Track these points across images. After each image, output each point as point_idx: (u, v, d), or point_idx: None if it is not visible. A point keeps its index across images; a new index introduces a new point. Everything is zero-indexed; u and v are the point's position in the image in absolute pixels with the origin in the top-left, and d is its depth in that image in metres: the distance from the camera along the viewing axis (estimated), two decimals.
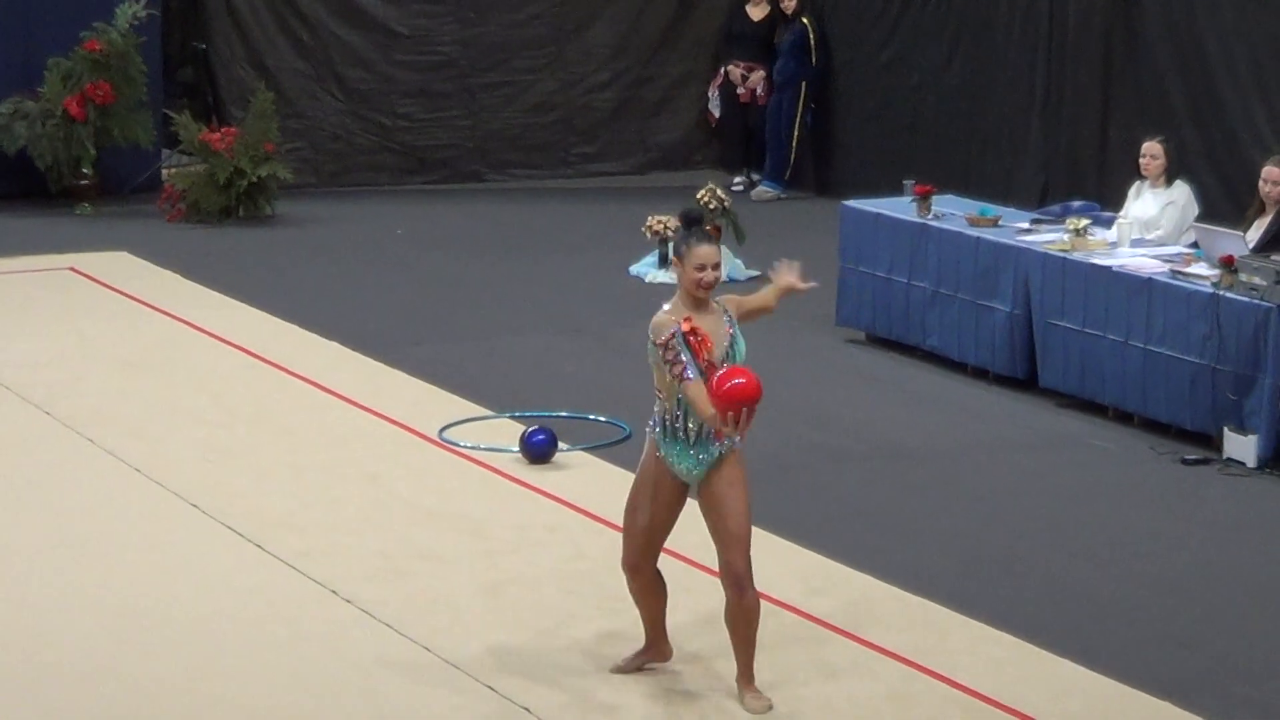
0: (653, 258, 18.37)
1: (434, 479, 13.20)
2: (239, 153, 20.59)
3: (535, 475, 13.19)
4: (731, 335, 9.77)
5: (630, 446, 13.20)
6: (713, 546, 9.83)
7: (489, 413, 14.44)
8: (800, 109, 22.06)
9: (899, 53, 21.41)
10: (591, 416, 14.09)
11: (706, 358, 9.66)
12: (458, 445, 13.76)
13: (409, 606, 11.07)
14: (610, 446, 13.58)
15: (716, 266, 9.78)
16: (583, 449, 13.66)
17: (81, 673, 10.25)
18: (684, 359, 9.59)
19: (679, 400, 9.75)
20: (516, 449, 13.48)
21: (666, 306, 9.81)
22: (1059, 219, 15.81)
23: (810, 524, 12.28)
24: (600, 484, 13.00)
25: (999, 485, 13.40)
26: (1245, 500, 13.13)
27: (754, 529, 11.50)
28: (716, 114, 22.77)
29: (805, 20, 22.04)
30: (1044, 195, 18.94)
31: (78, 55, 20.59)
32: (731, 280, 17.75)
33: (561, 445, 13.52)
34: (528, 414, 14.20)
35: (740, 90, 22.48)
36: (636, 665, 10.21)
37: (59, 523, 12.31)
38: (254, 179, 20.59)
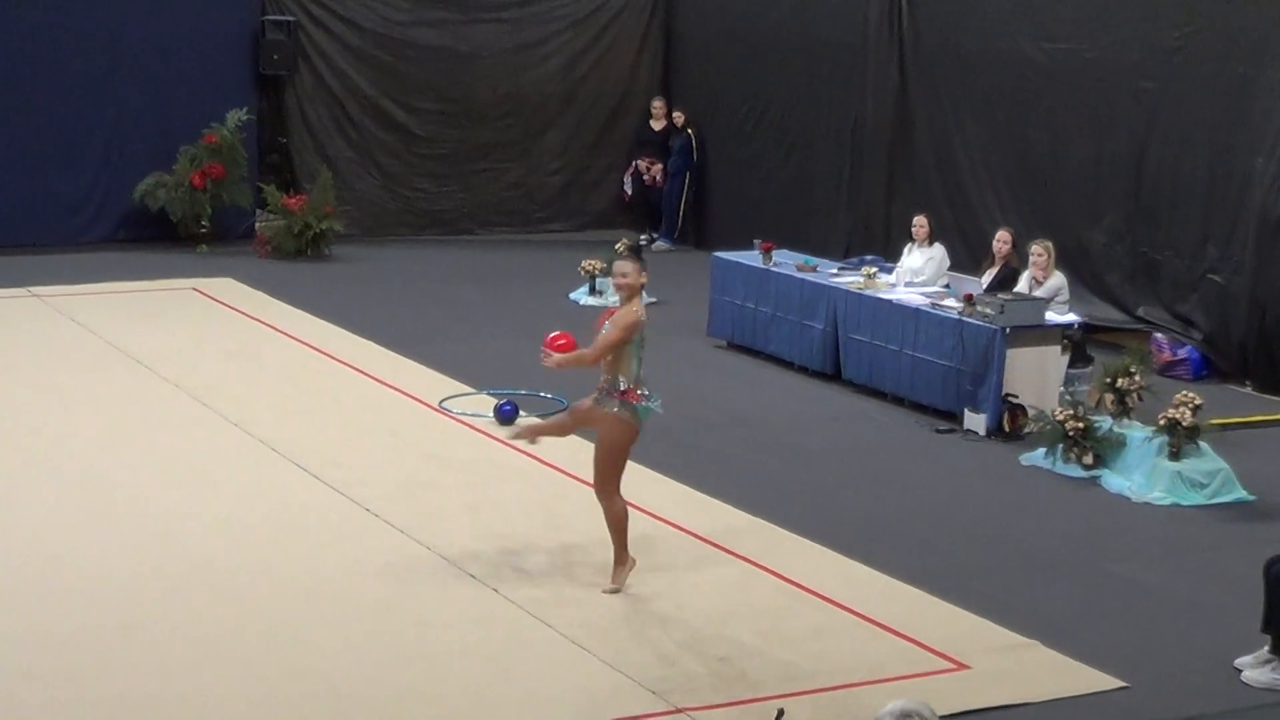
0: (585, 288, 18.31)
1: (435, 433, 13.14)
2: (308, 212, 20.47)
3: (504, 432, 13.12)
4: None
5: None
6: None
7: (474, 389, 14.37)
8: (685, 190, 22.01)
9: (752, 155, 21.39)
10: (541, 394, 14.03)
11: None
12: (452, 411, 13.70)
13: (416, 518, 11.01)
14: (554, 414, 13.52)
15: (624, 275, 9.67)
16: (536, 416, 13.60)
17: (196, 556, 10.19)
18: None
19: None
20: (491, 414, 13.42)
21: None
22: (857, 267, 15.81)
23: (686, 468, 12.26)
24: (547, 440, 12.92)
25: (815, 444, 13.40)
26: (977, 457, 13.16)
27: (648, 470, 11.53)
28: (629, 193, 22.68)
29: (690, 131, 22.00)
30: (847, 251, 18.92)
31: (200, 145, 20.43)
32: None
33: (522, 412, 13.46)
34: (499, 391, 14.14)
35: (645, 177, 22.42)
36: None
37: (180, 458, 12.24)
38: (318, 230, 20.46)
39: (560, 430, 10.25)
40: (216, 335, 16.13)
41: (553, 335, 10.18)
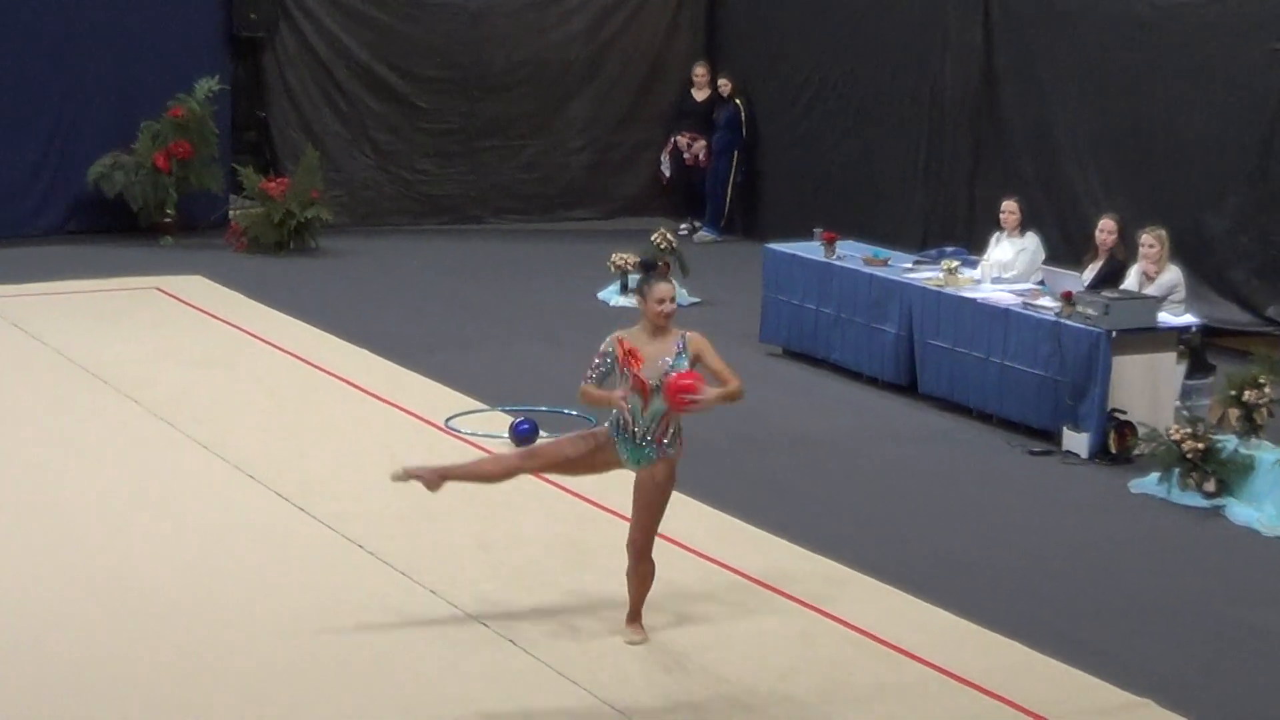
0: (615, 286, 18.30)
1: (440, 458, 13.10)
2: (290, 198, 20.53)
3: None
4: (673, 361, 9.60)
5: None
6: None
7: (485, 406, 14.36)
8: (733, 171, 22.02)
9: (811, 128, 21.38)
10: (565, 410, 13.98)
11: (636, 372, 9.60)
12: (460, 431, 13.69)
13: (419, 557, 11.00)
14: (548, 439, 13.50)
15: (673, 300, 9.76)
16: (559, 437, 13.57)
17: (157, 603, 10.20)
18: (595, 364, 9.75)
19: (633, 408, 9.67)
20: (507, 435, 13.40)
21: (632, 329, 9.80)
22: (935, 261, 15.77)
23: (735, 497, 12.23)
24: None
25: (886, 468, 13.36)
26: (1078, 483, 13.10)
27: (690, 499, 11.50)
28: (667, 174, 22.70)
29: (738, 101, 22.01)
30: (924, 241, 18.91)
31: (164, 119, 20.52)
32: (677, 305, 17.70)
33: (542, 433, 13.42)
34: (516, 408, 14.12)
35: (686, 155, 22.43)
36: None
37: (142, 486, 12.26)
38: (302, 219, 20.53)
39: (494, 475, 10.15)
40: (183, 342, 16.16)
41: (682, 377, 9.62)
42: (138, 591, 10.42)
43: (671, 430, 9.71)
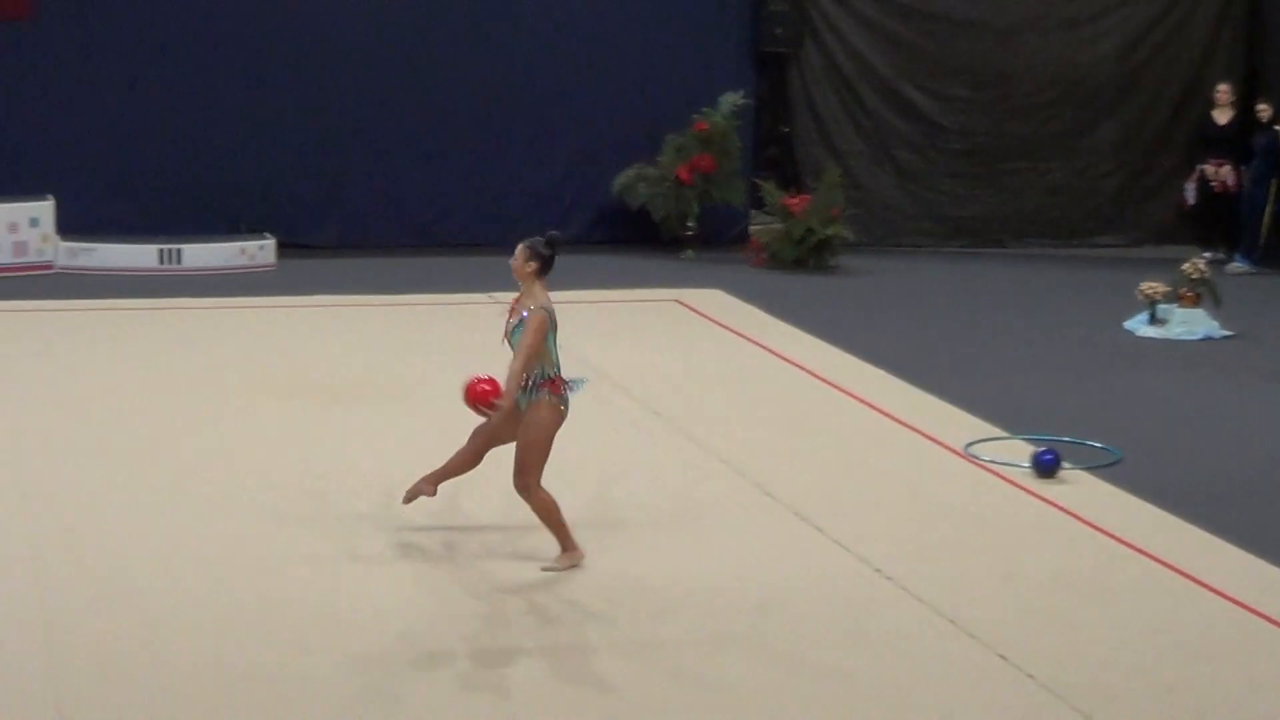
0: (1143, 316, 17.82)
1: (960, 484, 12.88)
2: (810, 215, 20.59)
3: (1042, 487, 12.79)
4: (515, 322, 10.79)
5: (1119, 467, 12.77)
6: None
7: (1005, 434, 14.07)
8: (1271, 200, 21.31)
9: None
10: (1090, 442, 13.60)
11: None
12: (980, 458, 13.44)
13: (941, 586, 10.73)
14: (1106, 467, 13.13)
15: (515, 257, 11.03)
16: (1082, 469, 13.20)
17: (688, 621, 10.21)
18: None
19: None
20: (1028, 464, 13.11)
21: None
22: None
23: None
24: (1096, 498, 12.54)
25: None
26: None
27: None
28: (1190, 201, 22.11)
29: (1277, 128, 21.28)
30: None
31: (688, 133, 20.78)
32: (1207, 338, 17.28)
33: (1064, 464, 13.09)
34: (1037, 436, 13.81)
35: (1214, 183, 21.81)
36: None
37: (661, 500, 12.26)
38: (822, 237, 20.58)
39: (466, 463, 11.06)
40: (702, 355, 16.31)
41: (480, 382, 10.73)
42: (652, 604, 10.45)
43: (530, 380, 10.58)
